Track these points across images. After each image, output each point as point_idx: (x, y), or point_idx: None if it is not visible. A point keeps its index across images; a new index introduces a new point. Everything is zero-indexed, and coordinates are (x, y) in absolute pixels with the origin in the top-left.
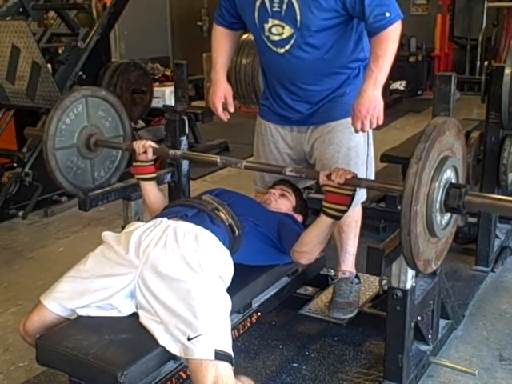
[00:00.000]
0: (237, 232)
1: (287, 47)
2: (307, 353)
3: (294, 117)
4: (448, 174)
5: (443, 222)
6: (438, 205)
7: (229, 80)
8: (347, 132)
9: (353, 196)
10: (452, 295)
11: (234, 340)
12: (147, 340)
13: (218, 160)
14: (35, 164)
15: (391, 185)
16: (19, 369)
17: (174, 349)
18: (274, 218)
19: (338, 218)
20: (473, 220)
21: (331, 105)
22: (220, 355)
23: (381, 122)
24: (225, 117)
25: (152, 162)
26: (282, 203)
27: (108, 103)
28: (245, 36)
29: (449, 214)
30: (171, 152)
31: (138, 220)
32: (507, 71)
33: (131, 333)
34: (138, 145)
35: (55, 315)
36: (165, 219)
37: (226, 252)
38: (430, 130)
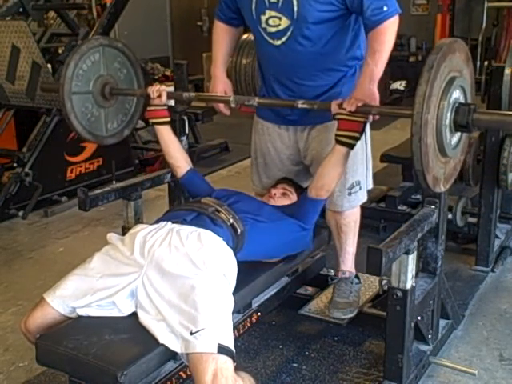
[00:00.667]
0: (239, 231)
1: (284, 39)
2: (307, 353)
3: (289, 115)
4: (457, 94)
5: (453, 142)
6: (447, 121)
7: (229, 78)
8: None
9: (365, 123)
10: (452, 295)
11: (234, 340)
12: (147, 340)
13: (232, 98)
14: (35, 164)
15: (401, 109)
16: (19, 369)
17: (176, 345)
18: (276, 209)
19: (351, 146)
20: (473, 220)
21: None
22: (222, 349)
23: (376, 116)
24: (226, 111)
25: (166, 107)
26: (284, 202)
27: (124, 55)
28: (245, 36)
29: (458, 135)
30: (185, 94)
31: (138, 220)
32: (507, 71)
33: (131, 333)
34: (153, 89)
35: (57, 313)
36: (169, 223)
37: (230, 251)
38: (441, 45)
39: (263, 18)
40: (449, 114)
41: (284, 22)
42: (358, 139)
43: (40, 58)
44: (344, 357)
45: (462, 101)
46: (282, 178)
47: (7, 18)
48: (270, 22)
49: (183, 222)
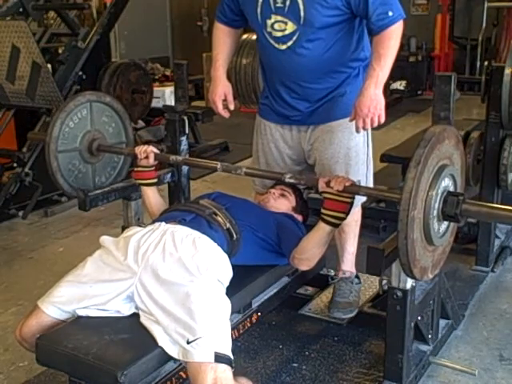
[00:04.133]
0: (235, 236)
1: (289, 44)
2: (307, 353)
3: (293, 115)
4: (446, 183)
5: (440, 231)
6: (435, 212)
7: (229, 79)
8: (347, 132)
9: (351, 204)
10: (452, 295)
11: (233, 340)
12: (147, 340)
13: (219, 166)
14: (35, 164)
15: (389, 192)
16: (19, 369)
17: (173, 352)
18: (273, 221)
19: (336, 226)
20: (473, 220)
21: (331, 104)
22: (219, 358)
23: (382, 120)
24: (225, 114)
25: (153, 168)
26: (282, 203)
27: (112, 109)
28: (245, 36)
29: (446, 223)
30: (172, 158)
31: (138, 220)
32: (507, 71)
33: (131, 333)
34: (140, 150)
35: (53, 319)
36: (163, 223)
37: (224, 256)
38: (430, 136)
39: (269, 22)
40: (437, 205)
41: (290, 27)
42: (343, 219)
43: (40, 58)
44: (344, 357)
45: (452, 188)
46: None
47: (7, 18)
48: (276, 26)
49: (182, 221)
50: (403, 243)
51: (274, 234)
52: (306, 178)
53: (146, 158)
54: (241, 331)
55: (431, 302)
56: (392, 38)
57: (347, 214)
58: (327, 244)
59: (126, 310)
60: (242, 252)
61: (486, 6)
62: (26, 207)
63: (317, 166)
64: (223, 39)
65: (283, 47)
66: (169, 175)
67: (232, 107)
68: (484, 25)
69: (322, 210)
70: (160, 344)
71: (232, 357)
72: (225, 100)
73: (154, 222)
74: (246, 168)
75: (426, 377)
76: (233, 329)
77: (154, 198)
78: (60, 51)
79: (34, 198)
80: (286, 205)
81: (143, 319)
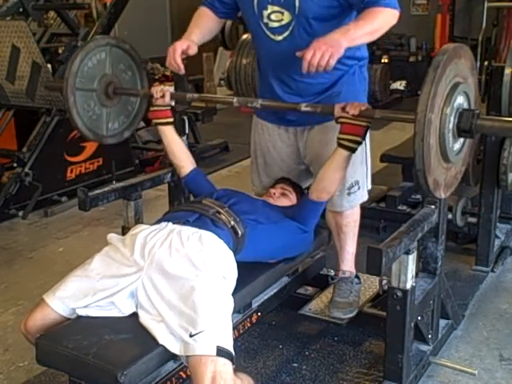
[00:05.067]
0: (240, 233)
1: (285, 34)
2: (307, 353)
3: (288, 115)
4: (461, 100)
5: (455, 148)
6: (451, 125)
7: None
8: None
9: (367, 128)
10: (452, 295)
11: (234, 340)
12: (147, 340)
13: (235, 100)
14: (35, 164)
15: (405, 114)
16: (19, 369)
17: (175, 347)
18: (277, 210)
19: (353, 150)
20: (473, 220)
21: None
22: (221, 352)
23: (331, 63)
24: (180, 66)
25: (169, 107)
26: (283, 202)
27: (131, 58)
28: (245, 36)
29: (461, 142)
30: (188, 96)
31: (138, 220)
32: (507, 71)
33: (131, 333)
34: (156, 89)
35: (57, 314)
36: (170, 224)
37: (230, 253)
38: (447, 47)
39: (265, 12)
40: (452, 119)
41: (286, 17)
42: (359, 143)
43: (40, 58)
44: (344, 357)
45: (466, 106)
46: (281, 178)
47: (7, 18)
48: (273, 16)
49: (185, 222)
50: (420, 145)
51: (280, 217)
52: (322, 106)
53: (162, 97)
54: (241, 331)
55: (431, 302)
56: (379, 15)
57: (363, 137)
58: (345, 171)
59: (127, 308)
60: (250, 248)
61: (485, 5)
62: (26, 207)
63: (313, 166)
64: (205, 20)
65: (279, 38)
66: (169, 175)
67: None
68: (484, 25)
69: (339, 135)
70: (161, 342)
71: (233, 352)
72: (185, 51)
73: (159, 221)
74: (262, 100)
75: (426, 377)
76: (233, 329)
77: (171, 137)
78: (60, 51)
79: (34, 198)
80: (286, 204)
81: (143, 319)
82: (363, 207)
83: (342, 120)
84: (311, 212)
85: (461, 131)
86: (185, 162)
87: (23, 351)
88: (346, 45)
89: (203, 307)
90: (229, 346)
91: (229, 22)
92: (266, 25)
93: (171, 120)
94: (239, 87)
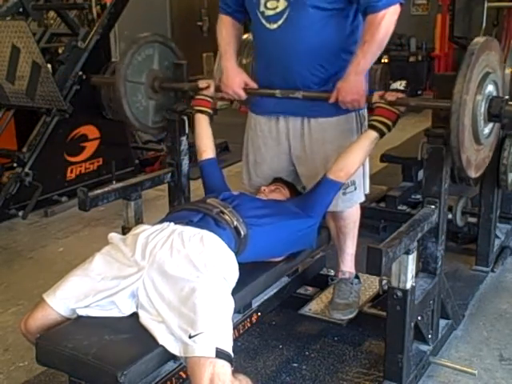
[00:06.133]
0: (242, 234)
1: (279, 22)
2: (307, 353)
3: (284, 103)
4: (491, 88)
5: (485, 132)
6: (482, 109)
7: None
8: (340, 130)
9: (398, 116)
10: (452, 295)
11: (234, 340)
12: (147, 340)
13: (277, 92)
14: (35, 164)
15: (439, 102)
16: (19, 369)
17: (174, 348)
18: (282, 206)
19: (382, 133)
20: (473, 220)
21: (323, 101)
22: (220, 353)
23: (361, 105)
24: (243, 96)
25: (211, 99)
26: (274, 196)
27: (175, 55)
28: (245, 36)
29: (489, 127)
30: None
31: (138, 220)
32: (507, 71)
33: (131, 333)
34: (202, 81)
35: (58, 314)
36: (172, 224)
37: (232, 255)
38: (479, 40)
39: (262, 0)
40: (484, 103)
41: (281, 4)
42: (389, 128)
43: (40, 58)
44: (344, 357)
45: (495, 93)
46: (274, 179)
47: (7, 18)
48: (269, 4)
49: (188, 223)
50: (455, 124)
51: (283, 216)
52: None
53: (208, 87)
54: (241, 331)
55: (431, 301)
56: (381, 23)
57: (394, 123)
58: (367, 154)
59: (127, 309)
60: (253, 248)
61: (485, 5)
62: (26, 207)
63: (304, 164)
64: (230, 31)
65: (274, 26)
66: (169, 175)
67: (255, 86)
68: (484, 25)
69: (373, 117)
70: (161, 342)
71: (232, 354)
72: (245, 86)
73: (161, 221)
74: (304, 91)
75: (426, 377)
76: (233, 329)
77: (205, 124)
78: (60, 51)
79: (34, 198)
80: (281, 198)
81: (143, 319)
82: (363, 207)
83: (379, 105)
84: (324, 194)
85: (491, 116)
86: (209, 148)
87: (23, 351)
88: (363, 76)
89: (203, 309)
90: (228, 347)
91: None
92: (263, 13)
93: (210, 111)
94: None
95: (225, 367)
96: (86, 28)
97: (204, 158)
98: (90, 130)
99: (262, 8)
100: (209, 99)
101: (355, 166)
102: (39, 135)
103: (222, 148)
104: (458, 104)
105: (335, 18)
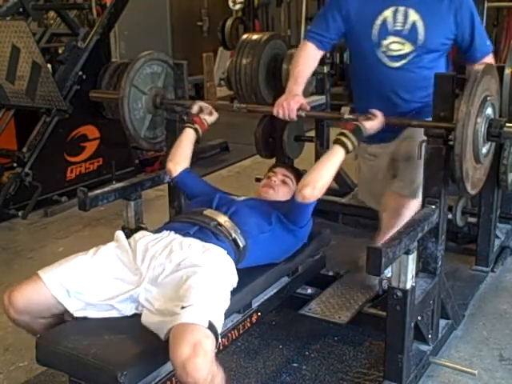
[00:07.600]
0: (241, 246)
1: (402, 62)
2: (307, 353)
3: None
4: (490, 111)
5: (484, 150)
6: (482, 129)
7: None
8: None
9: (357, 126)
10: (452, 295)
11: (234, 340)
12: (147, 340)
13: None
14: (35, 164)
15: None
16: (19, 369)
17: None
18: (275, 210)
19: (343, 144)
20: (473, 220)
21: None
22: (212, 327)
23: None
24: (295, 118)
25: (208, 126)
26: (283, 192)
27: (179, 82)
28: (245, 36)
29: (487, 147)
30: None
31: (138, 220)
32: (507, 71)
33: (131, 333)
34: (208, 105)
35: (47, 291)
36: (172, 233)
37: (231, 262)
38: (482, 67)
39: (385, 42)
40: (483, 124)
41: (407, 48)
42: (348, 138)
43: (40, 58)
44: (344, 357)
45: (493, 116)
46: (281, 163)
47: (7, 18)
48: (393, 46)
49: (186, 234)
50: (461, 132)
51: (279, 222)
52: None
53: (210, 114)
54: (241, 331)
55: (431, 301)
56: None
57: (355, 133)
58: (333, 175)
59: (128, 311)
60: (251, 257)
61: (486, 5)
62: (26, 207)
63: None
64: (308, 62)
65: (396, 65)
66: (169, 175)
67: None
68: (484, 25)
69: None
70: (163, 338)
71: (220, 336)
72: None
73: (160, 230)
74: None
75: (426, 377)
76: (233, 329)
77: (191, 141)
78: (60, 51)
79: (34, 198)
80: (286, 194)
81: (145, 317)
82: (363, 207)
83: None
84: (300, 215)
85: (490, 136)
86: (186, 159)
87: (23, 351)
88: None
89: (197, 287)
90: (218, 325)
91: (229, 22)
92: (385, 53)
93: (200, 132)
94: (239, 87)
95: (211, 339)
96: (86, 28)
97: (180, 170)
98: (90, 130)
99: (383, 48)
100: (205, 123)
101: (319, 185)
102: (39, 135)
103: (222, 148)
104: (464, 114)
105: (442, 55)
